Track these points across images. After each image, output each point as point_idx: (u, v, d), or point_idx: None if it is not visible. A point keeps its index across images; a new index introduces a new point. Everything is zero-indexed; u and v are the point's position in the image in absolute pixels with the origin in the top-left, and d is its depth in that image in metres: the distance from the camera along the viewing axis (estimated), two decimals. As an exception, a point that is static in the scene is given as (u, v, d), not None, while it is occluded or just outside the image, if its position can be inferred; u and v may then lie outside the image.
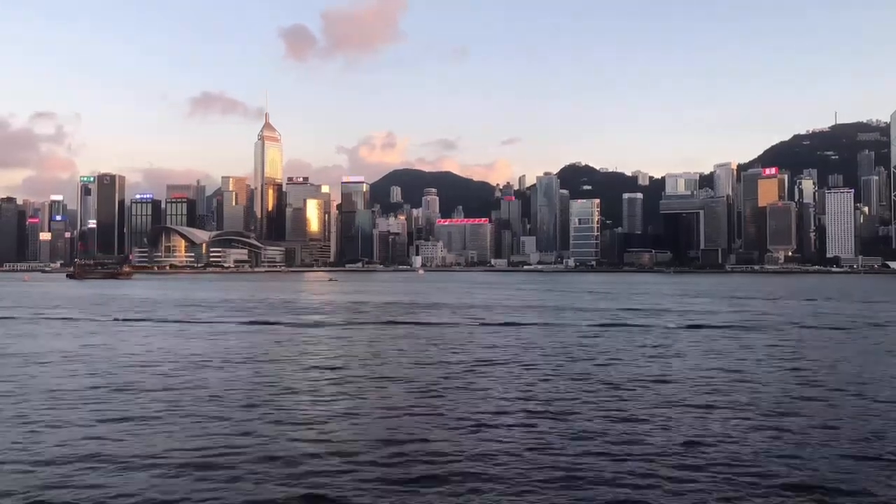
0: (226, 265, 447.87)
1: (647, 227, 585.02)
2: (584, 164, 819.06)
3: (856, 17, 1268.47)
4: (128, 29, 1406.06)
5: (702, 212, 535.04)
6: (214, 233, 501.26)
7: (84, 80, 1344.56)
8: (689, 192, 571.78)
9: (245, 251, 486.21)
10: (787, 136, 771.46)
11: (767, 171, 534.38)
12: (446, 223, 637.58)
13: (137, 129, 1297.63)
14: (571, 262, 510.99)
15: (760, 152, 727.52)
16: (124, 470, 16.04)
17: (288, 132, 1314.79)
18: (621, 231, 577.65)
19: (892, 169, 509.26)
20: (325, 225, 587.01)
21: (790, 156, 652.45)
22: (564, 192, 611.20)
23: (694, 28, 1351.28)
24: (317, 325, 56.37)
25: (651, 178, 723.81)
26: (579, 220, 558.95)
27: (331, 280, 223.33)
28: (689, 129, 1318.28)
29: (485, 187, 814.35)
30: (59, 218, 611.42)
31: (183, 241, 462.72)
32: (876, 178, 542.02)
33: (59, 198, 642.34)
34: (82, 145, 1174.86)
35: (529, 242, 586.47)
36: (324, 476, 15.67)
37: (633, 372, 30.07)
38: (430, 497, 14.47)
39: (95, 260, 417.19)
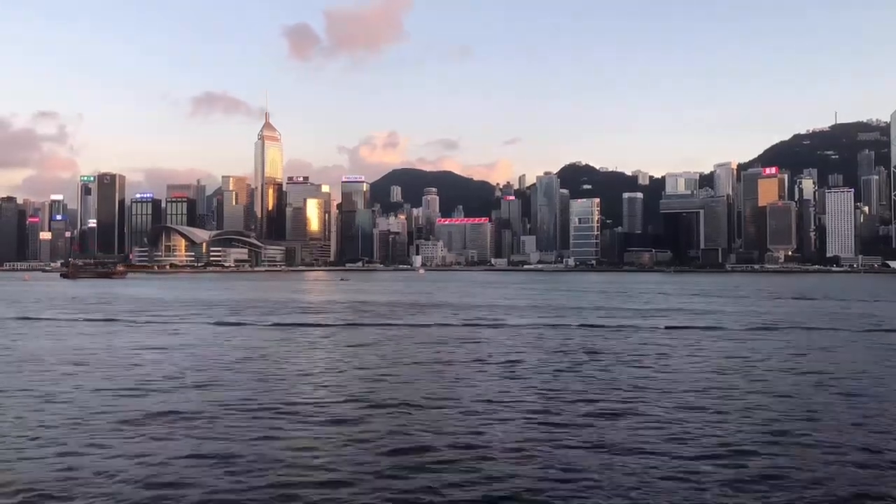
0: (226, 265, 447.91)
1: (648, 227, 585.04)
2: (584, 163, 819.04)
3: (856, 17, 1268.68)
4: (130, 28, 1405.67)
5: (702, 211, 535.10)
6: (214, 232, 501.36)
7: (86, 80, 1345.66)
8: (689, 192, 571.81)
9: (245, 251, 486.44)
10: (787, 136, 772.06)
11: (767, 170, 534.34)
12: (446, 223, 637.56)
13: (139, 129, 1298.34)
14: (571, 262, 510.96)
15: (760, 152, 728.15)
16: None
17: (290, 132, 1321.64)
18: (621, 231, 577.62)
19: (892, 168, 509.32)
20: (325, 224, 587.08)
21: (790, 155, 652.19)
22: (564, 191, 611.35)
23: (694, 28, 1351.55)
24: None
25: (651, 177, 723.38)
26: (579, 219, 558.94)
27: (342, 280, 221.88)
28: (689, 129, 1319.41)
29: (485, 187, 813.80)
30: (59, 217, 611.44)
31: (183, 240, 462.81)
32: (876, 177, 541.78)
33: (59, 197, 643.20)
34: (84, 145, 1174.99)
35: (529, 242, 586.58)
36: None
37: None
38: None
39: (96, 259, 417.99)
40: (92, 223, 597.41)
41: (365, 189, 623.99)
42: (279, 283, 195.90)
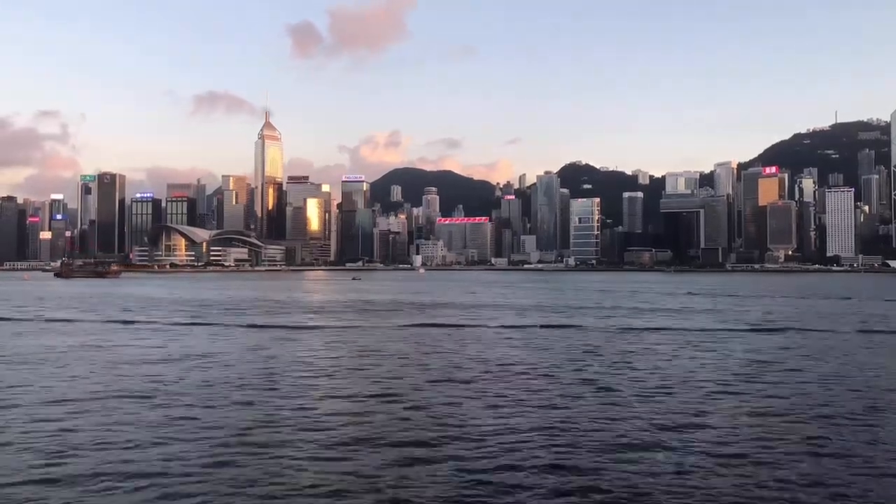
0: (226, 264, 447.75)
1: (648, 226, 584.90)
2: (584, 163, 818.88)
3: (856, 17, 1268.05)
4: (132, 27, 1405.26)
5: (702, 211, 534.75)
6: (215, 232, 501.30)
7: (88, 80, 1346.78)
8: (689, 191, 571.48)
9: (245, 250, 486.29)
10: (787, 135, 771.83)
11: (768, 170, 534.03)
12: (447, 222, 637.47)
13: (141, 128, 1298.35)
14: (572, 261, 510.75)
15: (761, 151, 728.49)
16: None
17: (291, 131, 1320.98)
18: (621, 230, 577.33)
19: (892, 168, 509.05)
20: (325, 224, 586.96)
21: (790, 155, 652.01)
22: (565, 191, 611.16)
23: (694, 28, 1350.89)
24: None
25: (651, 177, 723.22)
26: (580, 219, 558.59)
27: (354, 279, 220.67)
28: (689, 128, 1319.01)
29: (485, 186, 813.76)
30: (59, 217, 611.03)
31: (183, 239, 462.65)
32: (876, 177, 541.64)
33: (59, 197, 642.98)
34: (86, 144, 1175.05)
35: (530, 241, 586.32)
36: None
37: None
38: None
39: (95, 259, 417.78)
40: (92, 221, 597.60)
41: (365, 188, 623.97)
42: (292, 282, 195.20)
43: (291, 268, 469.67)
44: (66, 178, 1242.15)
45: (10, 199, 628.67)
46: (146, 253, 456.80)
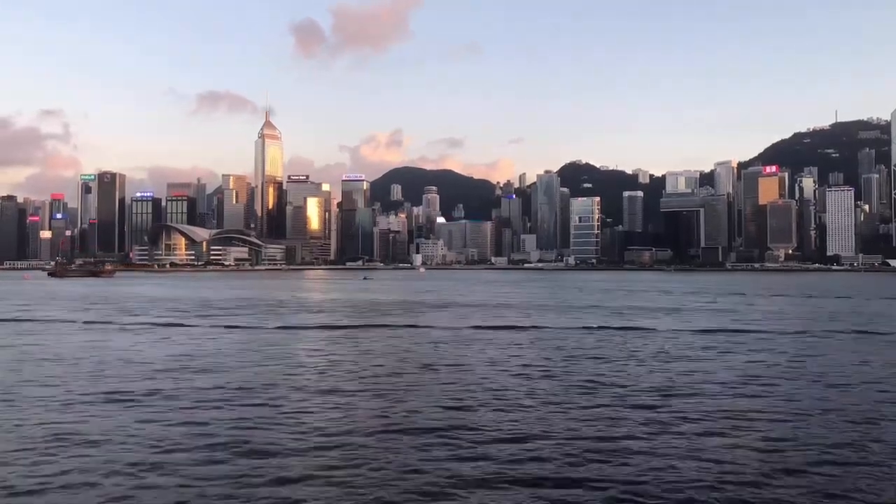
0: (226, 263, 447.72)
1: (648, 226, 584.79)
2: (584, 162, 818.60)
3: (856, 17, 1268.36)
4: (134, 26, 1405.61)
5: (702, 210, 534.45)
6: (215, 231, 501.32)
7: (90, 79, 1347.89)
8: (689, 191, 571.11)
9: (245, 249, 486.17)
10: (787, 135, 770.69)
11: (768, 169, 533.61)
12: (447, 221, 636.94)
13: (143, 128, 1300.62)
14: (572, 261, 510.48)
15: (761, 150, 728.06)
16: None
17: (293, 129, 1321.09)
18: (622, 229, 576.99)
19: (892, 167, 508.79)
20: (325, 223, 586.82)
21: (791, 154, 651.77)
22: (565, 190, 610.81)
23: (694, 28, 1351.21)
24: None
25: (651, 176, 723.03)
26: (580, 218, 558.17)
27: (365, 279, 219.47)
28: (689, 128, 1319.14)
29: (486, 186, 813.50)
30: (59, 216, 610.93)
31: (183, 239, 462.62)
32: (876, 176, 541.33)
33: (59, 196, 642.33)
34: (87, 143, 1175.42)
35: (530, 240, 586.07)
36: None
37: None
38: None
39: (96, 258, 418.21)
40: (91, 221, 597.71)
41: (365, 188, 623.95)
42: (304, 282, 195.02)
43: (291, 267, 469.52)
44: (68, 177, 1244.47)
45: (10, 198, 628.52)
46: (146, 252, 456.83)
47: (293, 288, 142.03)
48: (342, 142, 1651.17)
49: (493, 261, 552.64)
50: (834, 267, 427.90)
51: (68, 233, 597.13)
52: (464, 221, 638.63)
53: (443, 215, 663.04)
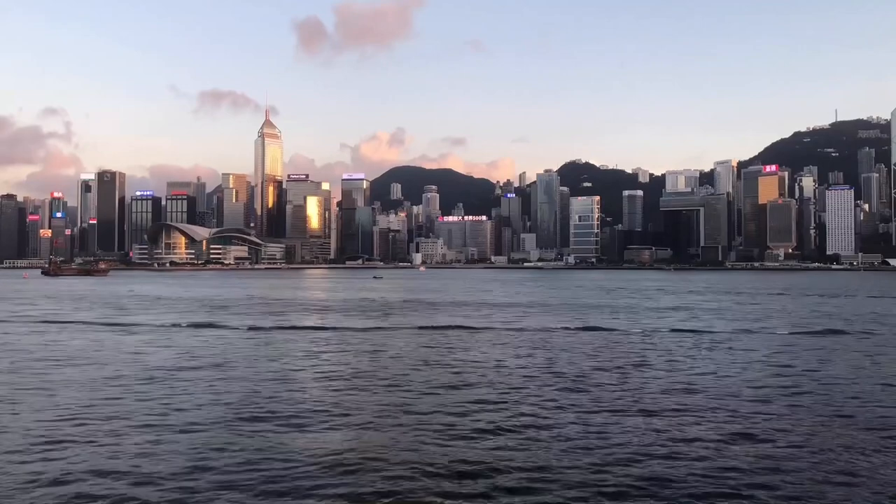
0: (226, 262, 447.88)
1: (648, 225, 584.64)
2: (584, 161, 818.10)
3: (855, 17, 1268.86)
4: (135, 25, 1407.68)
5: (702, 209, 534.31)
6: (215, 230, 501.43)
7: (91, 78, 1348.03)
8: (689, 190, 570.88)
9: (245, 248, 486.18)
10: (787, 134, 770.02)
11: (768, 168, 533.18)
12: (447, 220, 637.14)
13: (144, 127, 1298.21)
14: (571, 260, 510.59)
15: (761, 149, 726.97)
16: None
17: (295, 128, 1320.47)
18: (621, 228, 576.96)
19: (892, 166, 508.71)
20: (325, 222, 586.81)
21: (790, 153, 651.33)
22: (565, 189, 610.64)
23: (694, 27, 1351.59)
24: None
25: (651, 175, 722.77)
26: (579, 217, 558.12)
27: (375, 278, 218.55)
28: (689, 127, 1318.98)
29: (485, 184, 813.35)
30: (59, 215, 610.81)
31: (183, 237, 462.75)
32: (876, 175, 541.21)
33: (59, 195, 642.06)
34: (89, 142, 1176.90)
35: (530, 239, 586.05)
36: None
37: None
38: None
39: (95, 257, 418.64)
40: (92, 220, 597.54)
41: (365, 186, 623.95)
42: (311, 281, 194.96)
43: (291, 266, 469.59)
44: (69, 176, 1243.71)
45: (11, 197, 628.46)
46: (146, 251, 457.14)
47: (307, 287, 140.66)
48: (344, 140, 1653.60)
49: (492, 260, 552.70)
50: (833, 266, 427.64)
51: (68, 232, 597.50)
52: (465, 220, 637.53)
53: (442, 214, 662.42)
